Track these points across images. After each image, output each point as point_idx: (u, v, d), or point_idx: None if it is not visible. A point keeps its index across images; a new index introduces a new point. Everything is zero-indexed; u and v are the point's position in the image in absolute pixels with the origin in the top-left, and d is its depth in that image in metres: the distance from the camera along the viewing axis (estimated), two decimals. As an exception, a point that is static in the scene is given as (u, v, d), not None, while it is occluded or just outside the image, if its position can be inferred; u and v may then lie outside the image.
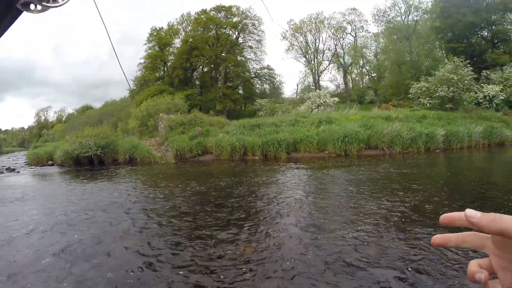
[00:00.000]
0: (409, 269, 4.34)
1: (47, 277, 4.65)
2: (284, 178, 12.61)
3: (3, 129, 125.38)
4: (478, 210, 0.56)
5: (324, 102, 33.79)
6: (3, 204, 10.40)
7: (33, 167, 25.60)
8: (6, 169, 24.12)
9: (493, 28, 41.18)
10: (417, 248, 5.00)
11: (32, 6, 0.74)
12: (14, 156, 45.83)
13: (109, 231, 6.83)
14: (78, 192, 12.05)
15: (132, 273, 4.69)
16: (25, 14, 0.79)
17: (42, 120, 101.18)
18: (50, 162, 26.26)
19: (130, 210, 8.71)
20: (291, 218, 7.04)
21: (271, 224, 6.76)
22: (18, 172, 22.27)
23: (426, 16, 47.71)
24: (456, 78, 27.73)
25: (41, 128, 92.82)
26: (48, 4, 0.75)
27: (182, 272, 4.66)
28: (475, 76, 30.50)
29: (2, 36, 0.79)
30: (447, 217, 0.64)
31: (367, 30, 55.64)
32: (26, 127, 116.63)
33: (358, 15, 55.24)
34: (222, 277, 4.46)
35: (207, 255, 5.23)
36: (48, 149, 29.19)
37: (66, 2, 0.78)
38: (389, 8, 50.88)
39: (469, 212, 0.58)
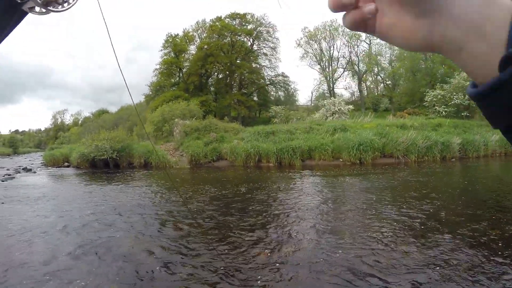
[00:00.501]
0: (426, 276, 4.41)
1: (63, 276, 4.83)
2: (300, 185, 12.71)
3: (20, 130, 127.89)
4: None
5: (338, 109, 33.82)
6: (20, 203, 10.71)
7: (49, 168, 26.28)
8: (23, 169, 24.76)
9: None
10: (434, 257, 5.06)
11: (37, 9, 0.76)
12: (31, 157, 46.70)
13: (128, 233, 7.00)
14: (95, 194, 12.32)
15: (150, 275, 4.84)
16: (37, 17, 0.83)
17: (58, 123, 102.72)
18: (66, 163, 26.90)
19: (148, 213, 8.90)
20: (309, 224, 7.13)
21: (289, 229, 6.87)
22: (35, 172, 22.82)
23: (441, 21, 47.30)
24: (471, 86, 27.56)
25: (58, 130, 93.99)
26: (51, 9, 0.78)
27: (199, 275, 4.80)
28: (492, 83, 30.18)
29: (10, 36, 0.84)
30: None
31: (381, 37, 55.41)
32: (42, 128, 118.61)
33: (373, 22, 55.04)
34: (239, 280, 4.58)
35: (226, 259, 5.35)
36: (64, 151, 29.88)
37: (68, 8, 0.82)
38: (403, 15, 50.67)
39: None
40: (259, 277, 4.68)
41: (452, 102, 28.56)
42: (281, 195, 10.88)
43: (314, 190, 11.55)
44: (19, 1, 0.71)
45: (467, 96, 24.45)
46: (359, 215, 7.87)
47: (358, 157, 19.67)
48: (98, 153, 22.90)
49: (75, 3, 0.84)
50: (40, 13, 0.76)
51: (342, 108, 33.98)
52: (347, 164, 19.53)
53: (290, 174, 16.31)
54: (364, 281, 4.39)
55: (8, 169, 24.83)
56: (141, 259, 5.50)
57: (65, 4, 0.81)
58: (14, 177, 19.50)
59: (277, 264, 5.08)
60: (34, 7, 0.75)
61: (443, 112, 29.44)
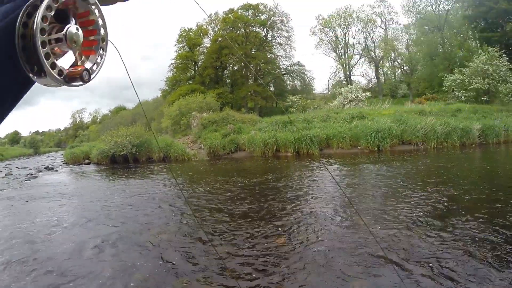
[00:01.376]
0: (441, 265, 4.44)
1: (89, 268, 5.04)
2: (319, 173, 12.76)
3: (40, 130, 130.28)
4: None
5: (356, 97, 33.56)
6: (45, 201, 11.04)
7: (70, 166, 26.92)
8: (45, 168, 25.38)
9: (528, 14, 39.68)
10: (456, 240, 5.09)
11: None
12: (52, 156, 47.60)
13: (151, 224, 7.24)
14: (117, 188, 12.63)
15: (172, 264, 5.01)
16: None
17: (77, 122, 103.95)
18: (86, 161, 27.43)
19: (169, 204, 9.09)
20: (330, 209, 7.22)
21: (310, 215, 6.97)
22: (57, 170, 23.34)
23: (457, 5, 46.37)
24: (491, 69, 27.01)
25: (77, 129, 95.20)
26: (74, 84, 0.71)
27: (219, 262, 4.95)
28: (511, 66, 29.46)
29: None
30: None
31: (397, 22, 54.26)
32: (62, 128, 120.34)
33: (388, 7, 54.25)
34: (259, 266, 4.69)
35: (243, 247, 5.49)
36: (84, 148, 30.51)
37: (91, 80, 0.74)
38: (418, -3, 49.93)
39: None
40: (279, 261, 4.80)
41: (471, 87, 28.00)
42: (301, 183, 10.97)
43: (331, 178, 11.56)
44: (32, 78, 0.64)
45: (486, 81, 23.83)
46: (380, 200, 7.94)
47: (377, 144, 19.56)
48: (118, 149, 23.31)
49: (98, 72, 0.77)
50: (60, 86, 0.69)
51: (359, 96, 33.70)
52: (365, 151, 19.46)
53: (309, 163, 16.36)
54: (385, 265, 4.46)
55: (30, 169, 25.54)
56: (164, 249, 5.67)
57: (88, 76, 0.73)
58: (36, 176, 19.97)
59: (297, 249, 5.20)
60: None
61: (462, 97, 28.92)
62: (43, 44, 0.61)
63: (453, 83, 30.34)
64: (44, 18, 0.61)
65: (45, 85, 0.66)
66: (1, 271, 5.08)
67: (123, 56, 1.06)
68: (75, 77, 0.69)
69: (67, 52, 0.71)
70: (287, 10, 50.79)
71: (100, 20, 0.76)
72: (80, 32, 0.69)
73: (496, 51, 28.27)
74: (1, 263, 5.41)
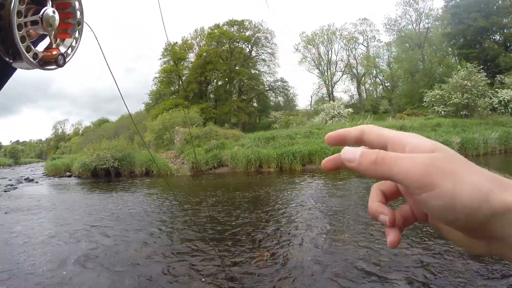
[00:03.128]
0: (422, 274, 4.49)
1: (68, 284, 4.92)
2: (300, 189, 12.80)
3: (21, 140, 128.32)
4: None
5: (338, 113, 33.88)
6: (23, 213, 10.86)
7: (51, 178, 26.42)
8: (25, 179, 24.84)
9: (505, 31, 41.06)
10: (430, 253, 5.14)
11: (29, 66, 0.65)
12: (32, 167, 46.82)
13: (130, 240, 7.11)
14: (98, 203, 12.46)
15: (152, 281, 4.94)
16: None
17: (59, 133, 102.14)
18: (67, 173, 26.96)
19: (149, 220, 9.01)
20: (310, 225, 7.22)
21: (290, 231, 6.96)
22: (37, 182, 22.96)
23: (437, 23, 47.77)
24: (470, 84, 27.58)
25: (58, 141, 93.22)
26: (49, 67, 0.67)
27: (200, 279, 4.89)
28: (489, 81, 30.10)
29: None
30: (329, 160, 0.50)
31: (379, 39, 55.37)
32: (43, 139, 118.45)
33: (370, 25, 55.26)
34: (240, 282, 4.67)
35: (227, 263, 5.44)
36: (66, 160, 30.03)
37: (66, 63, 0.71)
38: (399, 16, 51.21)
39: (346, 153, 0.44)
40: (259, 278, 4.77)
41: (451, 102, 28.55)
42: (282, 199, 10.96)
43: (314, 193, 11.64)
44: (9, 61, 0.62)
45: (465, 95, 24.27)
46: (359, 214, 7.97)
47: (359, 159, 19.62)
48: (100, 162, 23.01)
49: (72, 56, 0.75)
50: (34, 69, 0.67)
51: (341, 112, 34.04)
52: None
53: (291, 179, 16.38)
54: (365, 278, 4.48)
55: (10, 180, 25.15)
56: (143, 265, 5.59)
57: (63, 61, 0.70)
58: (16, 187, 19.67)
59: (278, 265, 5.18)
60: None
61: (442, 112, 29.47)
62: (19, 27, 0.59)
63: (433, 99, 30.88)
64: (21, 0, 0.59)
65: (20, 68, 0.66)
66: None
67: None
68: (49, 61, 0.67)
69: (41, 34, 0.70)
70: (271, 27, 51.06)
71: (76, 3, 0.74)
72: (57, 15, 0.68)
73: (475, 67, 28.88)
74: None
